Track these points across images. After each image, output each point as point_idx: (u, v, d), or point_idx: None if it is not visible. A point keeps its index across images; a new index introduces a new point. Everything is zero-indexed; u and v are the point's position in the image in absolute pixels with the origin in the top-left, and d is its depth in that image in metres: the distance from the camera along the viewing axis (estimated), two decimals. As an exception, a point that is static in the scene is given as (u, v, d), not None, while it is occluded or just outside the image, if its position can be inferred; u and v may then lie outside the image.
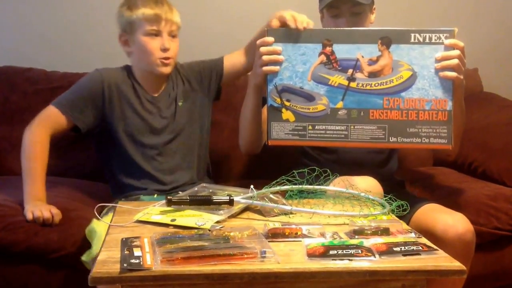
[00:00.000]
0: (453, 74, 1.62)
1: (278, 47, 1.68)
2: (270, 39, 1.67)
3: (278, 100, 1.68)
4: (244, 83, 2.44)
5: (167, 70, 1.82)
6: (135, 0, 1.80)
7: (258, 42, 1.69)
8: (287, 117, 1.68)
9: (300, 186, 1.49)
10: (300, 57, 1.68)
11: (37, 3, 2.53)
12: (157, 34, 1.78)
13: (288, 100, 1.68)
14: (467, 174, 2.26)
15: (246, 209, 1.48)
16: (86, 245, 1.52)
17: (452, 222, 1.65)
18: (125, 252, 1.15)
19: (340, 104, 1.67)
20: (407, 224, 1.70)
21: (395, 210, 1.46)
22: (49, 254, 1.68)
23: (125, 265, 1.08)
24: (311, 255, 1.15)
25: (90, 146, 2.01)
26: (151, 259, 1.11)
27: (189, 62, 1.98)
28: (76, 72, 2.41)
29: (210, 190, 1.58)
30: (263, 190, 1.46)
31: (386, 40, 1.65)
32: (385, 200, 1.50)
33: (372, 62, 1.66)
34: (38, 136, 1.76)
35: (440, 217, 1.67)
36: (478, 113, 2.42)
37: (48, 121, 1.79)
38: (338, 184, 1.55)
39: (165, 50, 1.78)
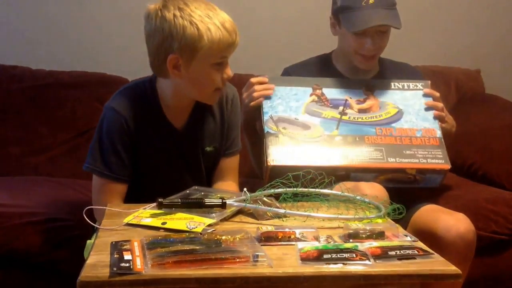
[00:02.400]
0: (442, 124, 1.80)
1: (265, 79, 1.78)
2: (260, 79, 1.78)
3: (275, 128, 1.72)
4: (238, 82, 2.42)
5: (217, 99, 1.64)
6: (200, 15, 1.46)
7: (253, 80, 1.76)
8: (283, 142, 1.70)
9: (295, 189, 1.47)
10: (293, 96, 1.78)
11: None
12: (224, 62, 1.53)
13: (284, 128, 1.72)
14: (467, 177, 2.25)
15: (239, 212, 1.45)
16: (68, 249, 1.49)
17: (454, 221, 1.65)
18: (115, 255, 1.12)
19: (335, 132, 1.73)
20: (407, 224, 1.69)
21: (391, 214, 1.44)
22: (31, 259, 1.66)
23: (114, 269, 1.06)
24: (305, 259, 1.13)
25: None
26: (141, 263, 1.09)
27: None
28: (63, 70, 2.39)
29: (202, 193, 1.56)
30: (257, 193, 1.44)
31: (369, 87, 1.80)
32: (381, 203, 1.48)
33: (360, 102, 1.79)
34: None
35: (441, 217, 1.67)
36: (480, 115, 2.41)
37: (112, 196, 1.58)
38: (340, 189, 1.53)
39: (227, 79, 1.56)
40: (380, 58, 1.99)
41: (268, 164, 1.67)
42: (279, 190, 1.45)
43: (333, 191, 1.49)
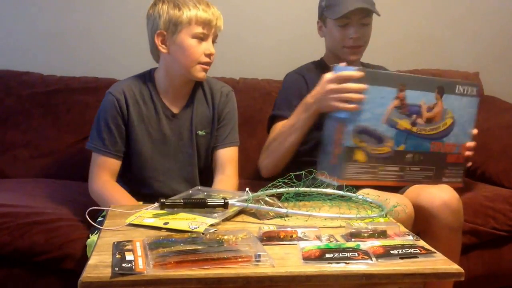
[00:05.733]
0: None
1: (363, 85, 1.65)
2: (360, 74, 1.64)
3: (356, 141, 1.65)
4: (243, 85, 2.42)
5: (204, 76, 1.79)
6: (184, 0, 1.73)
7: (345, 74, 1.66)
8: (358, 158, 1.66)
9: (296, 188, 1.47)
10: (380, 100, 1.67)
11: (35, 6, 2.50)
12: (203, 38, 1.74)
13: (362, 141, 1.66)
14: (466, 176, 2.25)
15: (241, 212, 1.46)
16: (72, 248, 1.49)
17: (437, 191, 1.68)
18: (117, 256, 1.12)
19: (402, 147, 1.71)
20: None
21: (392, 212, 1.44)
22: (34, 257, 1.66)
23: (116, 269, 1.06)
24: (307, 258, 1.13)
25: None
26: (143, 263, 1.09)
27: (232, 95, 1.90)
28: (73, 75, 2.41)
29: (205, 193, 1.56)
30: (259, 193, 1.44)
31: (441, 89, 1.73)
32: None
33: (429, 109, 1.73)
34: (104, 184, 1.74)
35: (425, 190, 1.70)
36: (478, 116, 2.40)
37: (103, 169, 1.76)
38: (366, 195, 1.52)
39: (209, 55, 1.75)
40: (361, 62, 2.04)
41: (339, 180, 1.64)
42: (281, 190, 1.45)
43: (335, 191, 1.49)
